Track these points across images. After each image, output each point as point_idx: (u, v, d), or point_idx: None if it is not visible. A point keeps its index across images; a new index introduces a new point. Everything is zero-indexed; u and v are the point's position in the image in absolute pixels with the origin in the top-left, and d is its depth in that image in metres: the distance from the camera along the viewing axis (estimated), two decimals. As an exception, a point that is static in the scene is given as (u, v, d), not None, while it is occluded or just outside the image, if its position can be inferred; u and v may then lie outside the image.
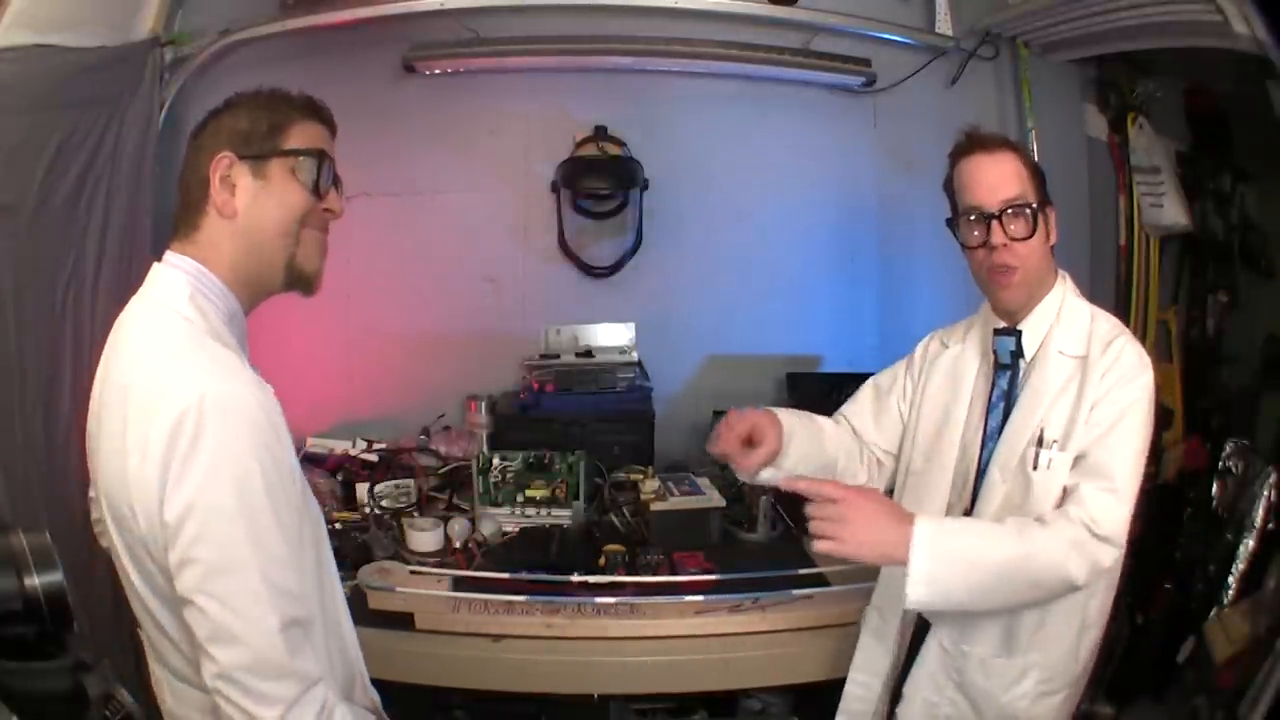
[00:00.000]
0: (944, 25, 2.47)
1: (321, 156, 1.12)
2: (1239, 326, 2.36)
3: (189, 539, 0.93)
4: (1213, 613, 1.95)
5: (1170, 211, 2.28)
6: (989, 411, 1.44)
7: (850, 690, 1.59)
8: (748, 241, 2.64)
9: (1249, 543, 1.97)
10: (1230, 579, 1.98)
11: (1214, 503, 2.08)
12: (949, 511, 1.46)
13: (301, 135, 1.12)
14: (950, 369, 1.53)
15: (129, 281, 1.13)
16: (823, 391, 2.50)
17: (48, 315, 1.89)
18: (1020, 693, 1.38)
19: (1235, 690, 1.73)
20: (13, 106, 1.77)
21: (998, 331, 1.42)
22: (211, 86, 2.31)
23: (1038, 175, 1.39)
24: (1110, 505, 1.25)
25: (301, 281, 1.14)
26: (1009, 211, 1.34)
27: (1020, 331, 1.40)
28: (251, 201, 1.08)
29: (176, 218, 1.12)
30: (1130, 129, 2.35)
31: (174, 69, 2.21)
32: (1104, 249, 2.42)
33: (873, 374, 2.52)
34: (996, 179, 1.36)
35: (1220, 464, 2.09)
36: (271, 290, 1.14)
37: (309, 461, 2.32)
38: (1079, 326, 1.38)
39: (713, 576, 1.87)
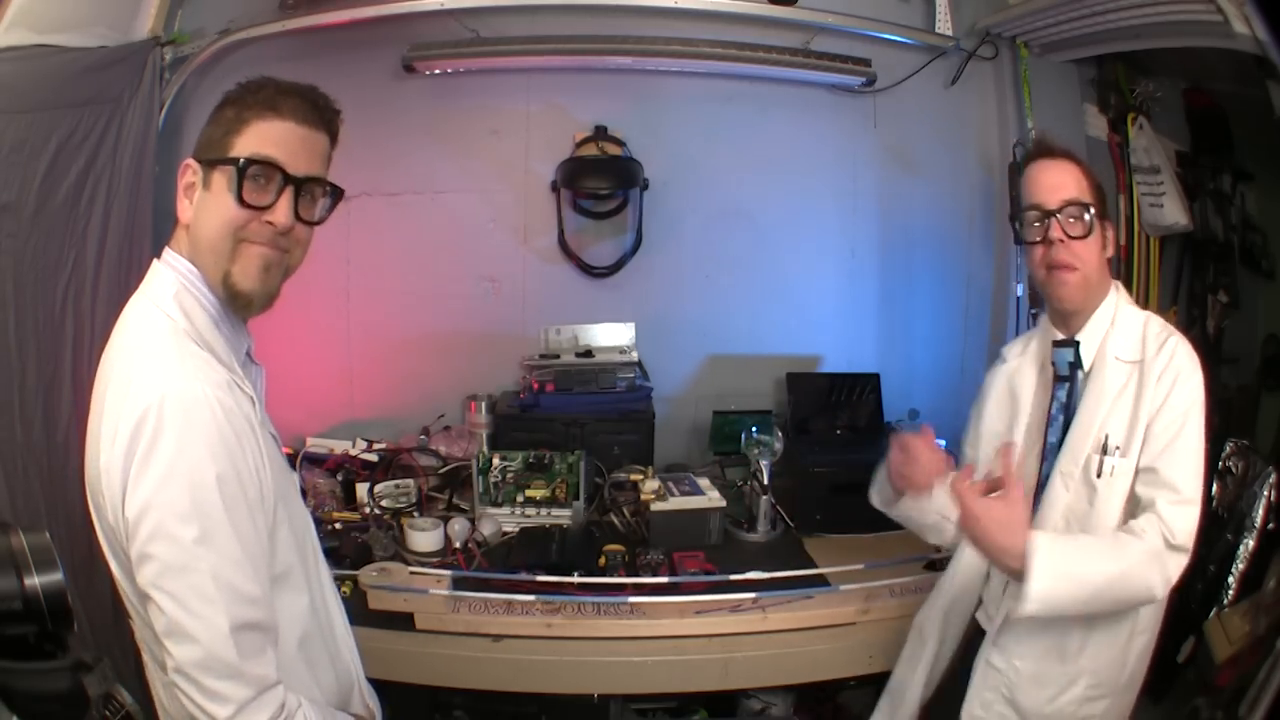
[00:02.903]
0: (944, 25, 2.47)
1: (243, 165, 1.03)
2: (1239, 326, 2.35)
3: (146, 535, 0.95)
4: (1213, 613, 1.94)
5: (1170, 211, 2.28)
6: (1049, 425, 1.45)
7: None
8: (748, 241, 2.64)
9: (1249, 543, 1.97)
10: (1230, 579, 1.97)
11: (1214, 503, 2.07)
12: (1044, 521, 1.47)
13: (254, 137, 1.05)
14: (1008, 383, 1.55)
15: (129, 281, 1.13)
16: (823, 391, 2.52)
17: (48, 315, 1.89)
18: (1068, 699, 1.39)
19: (1235, 690, 1.73)
20: (13, 106, 1.77)
21: (1056, 344, 1.45)
22: (212, 86, 2.31)
23: (1099, 189, 1.44)
24: (1185, 516, 1.30)
25: (237, 300, 1.07)
26: (1067, 210, 1.39)
27: (1078, 342, 1.43)
28: (197, 210, 1.07)
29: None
30: (1130, 129, 2.35)
31: (174, 69, 2.21)
32: (1104, 249, 2.41)
33: (872, 374, 2.55)
34: (1058, 180, 1.42)
35: (1220, 464, 2.09)
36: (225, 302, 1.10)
37: (309, 461, 2.33)
38: (1133, 332, 1.42)
39: (713, 577, 1.87)
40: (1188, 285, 2.45)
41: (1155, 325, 1.43)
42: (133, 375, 0.98)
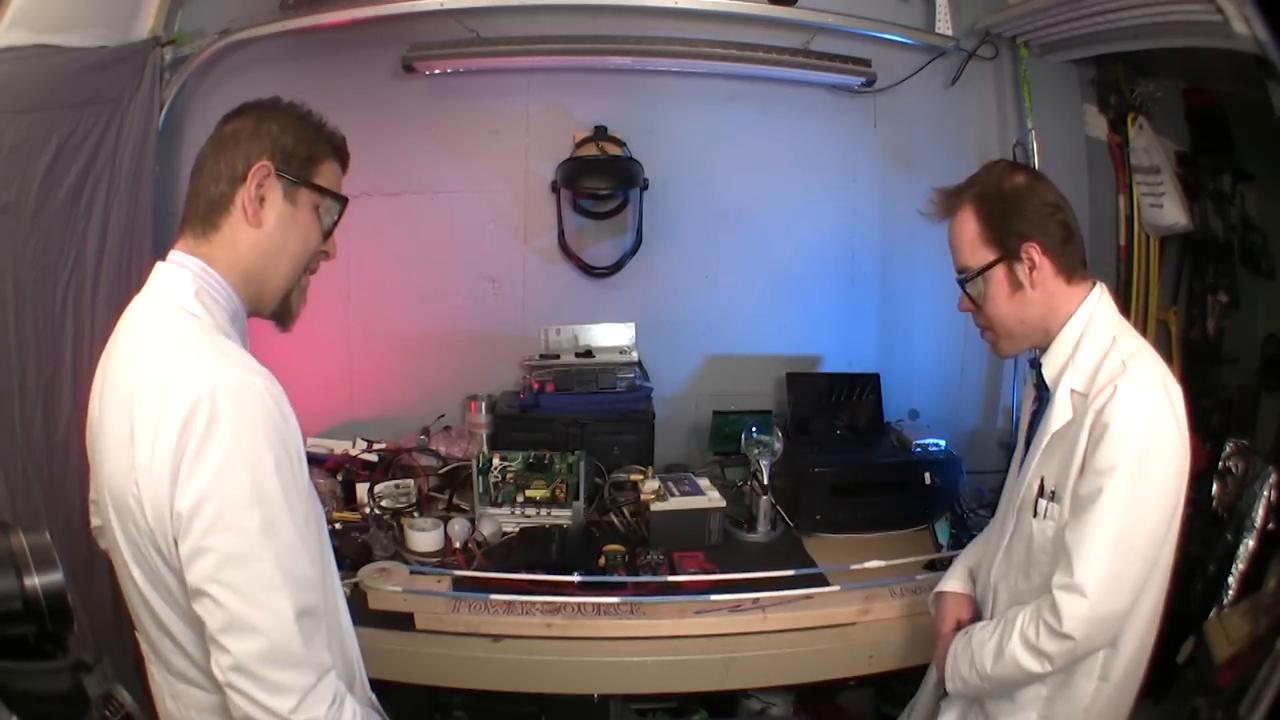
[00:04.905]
0: (944, 25, 2.47)
1: (345, 204, 1.17)
2: (1239, 326, 2.35)
3: (203, 528, 0.94)
4: (1213, 613, 1.94)
5: (1170, 211, 2.28)
6: (1028, 443, 1.43)
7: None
8: (748, 241, 2.64)
9: (1249, 543, 1.96)
10: (1230, 579, 1.97)
11: (1214, 503, 2.07)
12: (1002, 539, 1.46)
13: (329, 174, 1.16)
14: (1024, 397, 1.54)
15: (129, 281, 1.14)
16: (823, 391, 2.52)
17: (48, 315, 1.89)
18: None
19: (1235, 690, 1.73)
20: (13, 106, 1.77)
21: (1031, 362, 1.43)
22: (212, 87, 2.32)
23: (997, 220, 1.31)
24: (1074, 604, 1.21)
25: (284, 316, 1.18)
26: (961, 283, 1.38)
27: (1041, 365, 1.37)
28: (278, 223, 1.11)
29: (191, 210, 1.10)
30: (1130, 129, 2.35)
31: (174, 69, 2.21)
32: (1104, 249, 2.42)
33: (873, 374, 2.56)
34: (951, 245, 1.39)
35: (1220, 464, 2.09)
36: (259, 312, 1.15)
37: (309, 461, 2.32)
38: (1092, 358, 1.27)
39: (713, 576, 1.87)
40: (1188, 285, 2.45)
41: (1120, 353, 1.24)
42: (173, 373, 0.97)
